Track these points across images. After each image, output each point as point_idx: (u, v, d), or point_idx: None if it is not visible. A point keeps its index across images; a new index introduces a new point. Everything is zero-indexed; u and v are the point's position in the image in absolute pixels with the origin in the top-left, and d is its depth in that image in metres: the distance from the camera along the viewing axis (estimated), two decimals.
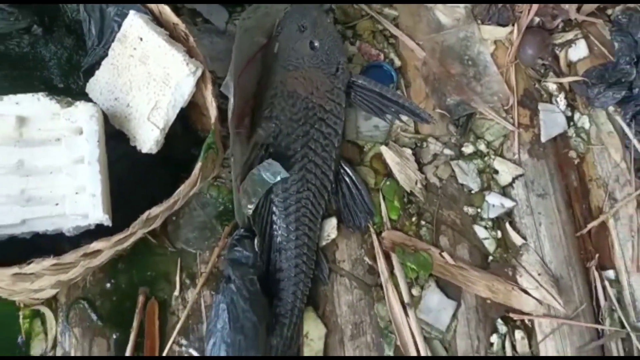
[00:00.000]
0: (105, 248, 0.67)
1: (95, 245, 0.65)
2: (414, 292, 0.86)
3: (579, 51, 1.04)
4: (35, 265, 0.63)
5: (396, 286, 0.86)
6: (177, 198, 0.69)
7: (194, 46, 0.75)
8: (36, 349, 0.76)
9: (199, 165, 0.70)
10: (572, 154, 0.99)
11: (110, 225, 0.71)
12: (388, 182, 0.91)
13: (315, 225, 0.85)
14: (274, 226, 0.83)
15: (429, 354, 0.83)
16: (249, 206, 0.80)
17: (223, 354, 0.75)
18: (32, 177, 0.70)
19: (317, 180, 0.85)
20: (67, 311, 0.78)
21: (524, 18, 1.00)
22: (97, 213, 0.68)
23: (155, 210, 0.68)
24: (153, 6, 0.77)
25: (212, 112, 0.73)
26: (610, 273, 0.93)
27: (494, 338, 0.86)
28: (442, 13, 1.02)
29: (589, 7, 1.05)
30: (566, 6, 1.01)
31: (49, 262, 0.63)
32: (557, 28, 1.04)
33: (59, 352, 0.77)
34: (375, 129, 0.94)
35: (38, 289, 0.70)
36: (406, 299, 0.85)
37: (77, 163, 0.70)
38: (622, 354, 0.89)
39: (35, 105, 0.71)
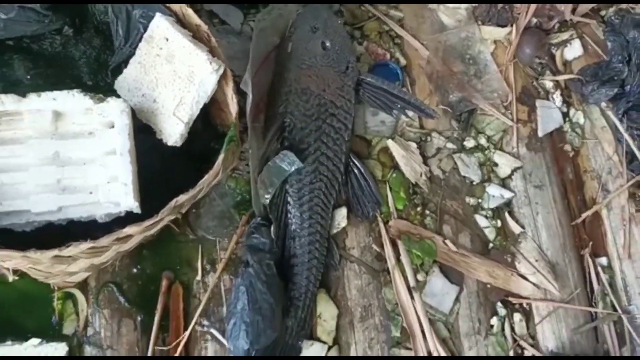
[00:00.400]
0: (136, 233, 0.72)
1: (128, 230, 0.71)
2: (419, 277, 0.92)
3: (574, 50, 1.10)
4: (73, 248, 0.68)
5: (402, 272, 0.91)
6: (201, 187, 0.75)
7: (216, 46, 0.80)
8: (69, 329, 0.82)
9: (221, 156, 0.76)
10: (568, 147, 1.05)
11: (140, 212, 0.76)
12: (394, 174, 0.97)
13: (327, 214, 0.91)
14: (289, 215, 0.89)
15: (434, 335, 0.89)
16: (266, 196, 0.85)
17: (243, 333, 0.80)
18: (67, 168, 0.75)
19: (329, 172, 0.91)
20: (97, 294, 0.84)
21: (522, 19, 1.06)
22: (128, 201, 0.74)
23: (182, 198, 0.73)
24: (177, 9, 0.83)
25: (233, 108, 0.79)
26: (603, 260, 0.99)
27: (494, 320, 0.92)
28: (444, 14, 1.08)
29: (583, 9, 1.10)
30: (562, 8, 1.07)
31: (85, 245, 0.69)
32: (553, 29, 1.10)
33: (89, 332, 0.82)
34: (382, 124, 1.00)
35: (73, 272, 0.76)
36: (412, 283, 0.91)
37: (109, 155, 0.76)
38: (614, 335, 0.95)
39: (70, 101, 0.76)
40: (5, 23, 0.80)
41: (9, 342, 0.78)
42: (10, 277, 0.79)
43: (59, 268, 0.73)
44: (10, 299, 0.81)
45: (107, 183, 0.75)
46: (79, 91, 0.76)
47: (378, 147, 0.99)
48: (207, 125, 0.90)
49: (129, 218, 0.78)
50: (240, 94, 0.87)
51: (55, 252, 0.68)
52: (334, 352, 0.87)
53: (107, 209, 0.75)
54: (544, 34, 1.08)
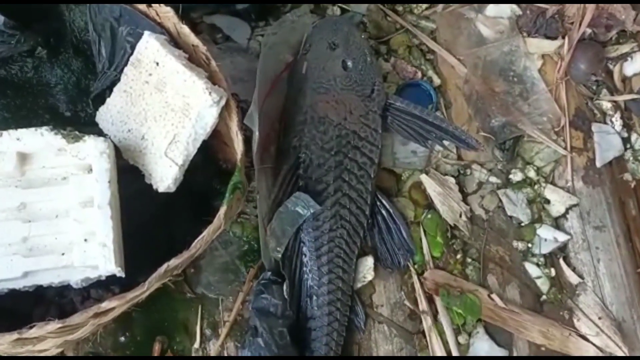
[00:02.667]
0: (118, 306, 0.58)
1: (108, 304, 0.57)
2: (461, 339, 0.78)
3: (634, 65, 0.94)
4: (37, 329, 0.55)
5: (441, 334, 0.77)
6: (197, 247, 0.61)
7: (217, 71, 0.66)
8: None
9: (223, 209, 0.61)
10: (628, 177, 0.90)
11: (124, 276, 0.63)
12: (429, 215, 0.82)
13: (350, 267, 0.76)
14: (305, 269, 0.75)
15: None
16: (278, 248, 0.71)
17: None
18: (36, 223, 0.62)
19: (352, 217, 0.76)
20: None
21: (575, 30, 0.91)
22: (108, 265, 0.60)
23: (174, 262, 0.59)
24: (170, 25, 0.69)
25: (238, 146, 0.65)
26: None
27: None
28: (484, 25, 0.93)
29: None
30: (622, 16, 0.91)
31: (53, 325, 0.55)
32: (610, 40, 0.94)
33: None
34: (414, 155, 0.85)
35: (42, 350, 0.62)
36: (452, 348, 0.77)
37: (86, 206, 0.62)
38: None
39: (38, 140, 0.63)
40: None
41: None
42: None
43: (25, 348, 0.59)
44: None
45: (84, 241, 0.61)
46: (49, 129, 0.62)
47: (409, 183, 0.84)
48: (207, 160, 0.76)
49: (110, 279, 0.64)
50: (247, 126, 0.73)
51: (15, 335, 0.54)
52: None
53: (83, 273, 0.61)
54: (601, 47, 0.92)
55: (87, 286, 0.65)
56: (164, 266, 0.59)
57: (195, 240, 0.61)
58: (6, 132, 0.62)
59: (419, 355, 0.76)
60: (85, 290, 0.67)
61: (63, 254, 0.61)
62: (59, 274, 0.61)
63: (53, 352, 0.67)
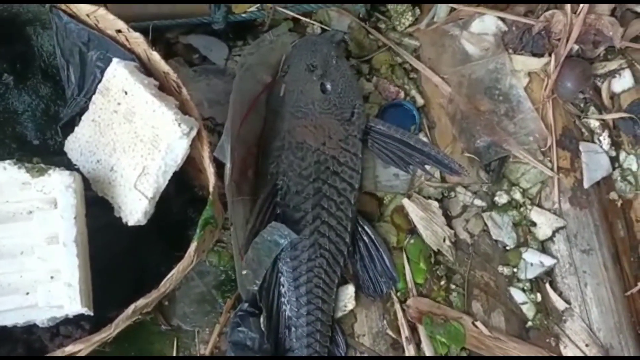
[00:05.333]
0: (85, 348, 0.56)
1: (72, 348, 0.55)
2: None
3: (623, 82, 0.92)
4: None
5: None
6: (167, 285, 0.59)
7: (188, 99, 0.64)
8: None
9: (194, 245, 0.59)
10: (617, 199, 0.88)
11: (92, 314, 0.60)
12: (412, 240, 0.80)
13: (330, 297, 0.74)
14: (282, 299, 0.73)
15: None
16: (256, 281, 0.69)
17: None
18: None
19: (332, 245, 0.74)
20: None
21: (562, 46, 0.89)
22: (74, 306, 0.58)
23: (141, 302, 0.57)
24: (141, 52, 0.66)
25: (211, 177, 0.62)
26: None
27: None
28: (468, 42, 0.91)
29: (633, 31, 0.93)
30: (610, 32, 0.89)
31: None
32: (598, 57, 0.92)
33: None
34: (396, 178, 0.83)
35: None
36: None
37: (52, 242, 0.60)
38: None
39: (0, 174, 0.60)
40: None
41: None
42: None
43: None
44: None
45: (50, 279, 0.59)
46: (12, 162, 0.60)
47: (391, 207, 0.82)
48: (182, 187, 0.74)
49: (80, 316, 0.62)
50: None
51: None
52: None
53: (49, 313, 0.59)
54: (589, 64, 0.90)
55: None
56: (132, 307, 0.57)
57: (165, 279, 0.59)
58: None
59: None
60: (54, 327, 0.65)
61: (27, 293, 0.59)
62: (23, 314, 0.59)
63: None
